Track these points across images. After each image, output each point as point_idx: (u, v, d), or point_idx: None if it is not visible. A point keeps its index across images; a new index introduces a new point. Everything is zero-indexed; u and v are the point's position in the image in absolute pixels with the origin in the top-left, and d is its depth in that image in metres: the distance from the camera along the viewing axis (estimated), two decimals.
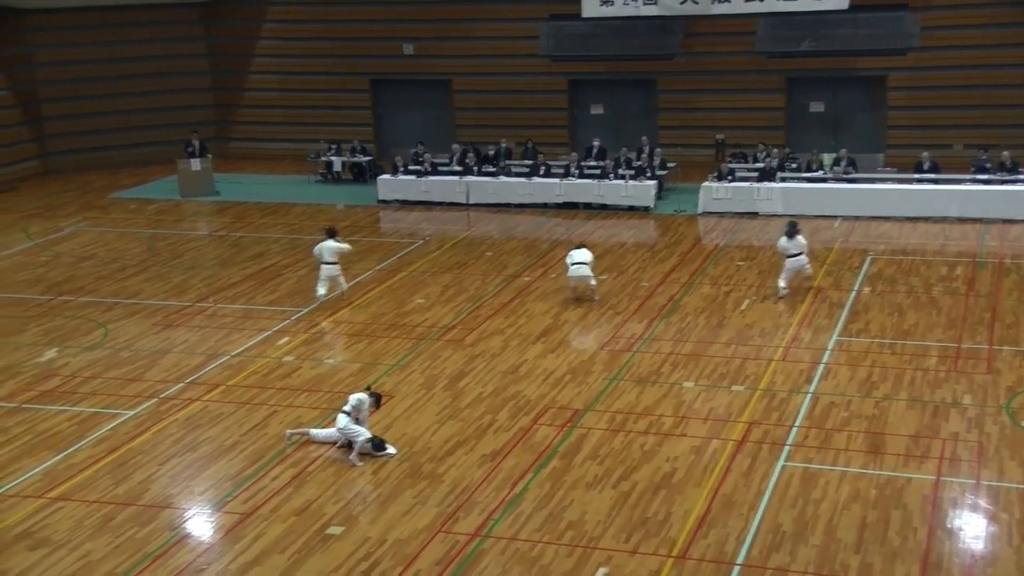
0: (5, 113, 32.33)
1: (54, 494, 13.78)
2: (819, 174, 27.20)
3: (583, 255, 20.40)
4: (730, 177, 27.16)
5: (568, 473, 13.96)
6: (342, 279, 20.83)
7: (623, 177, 27.70)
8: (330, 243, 20.57)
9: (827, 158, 27.65)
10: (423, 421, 15.58)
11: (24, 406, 16.46)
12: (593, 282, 20.41)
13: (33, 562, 12.26)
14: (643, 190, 27.39)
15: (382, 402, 15.18)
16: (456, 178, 28.58)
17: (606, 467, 14.09)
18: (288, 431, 15.08)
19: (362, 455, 14.38)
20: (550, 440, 14.89)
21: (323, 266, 20.57)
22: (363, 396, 14.77)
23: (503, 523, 12.80)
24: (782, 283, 20.39)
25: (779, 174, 27.04)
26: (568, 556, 12.10)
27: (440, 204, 28.28)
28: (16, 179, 32.21)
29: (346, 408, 14.63)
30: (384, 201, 28.78)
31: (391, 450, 14.58)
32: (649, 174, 27.82)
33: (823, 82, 30.98)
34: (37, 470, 14.42)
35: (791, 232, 20.40)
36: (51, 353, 18.63)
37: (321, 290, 20.60)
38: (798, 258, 20.36)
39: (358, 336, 19.27)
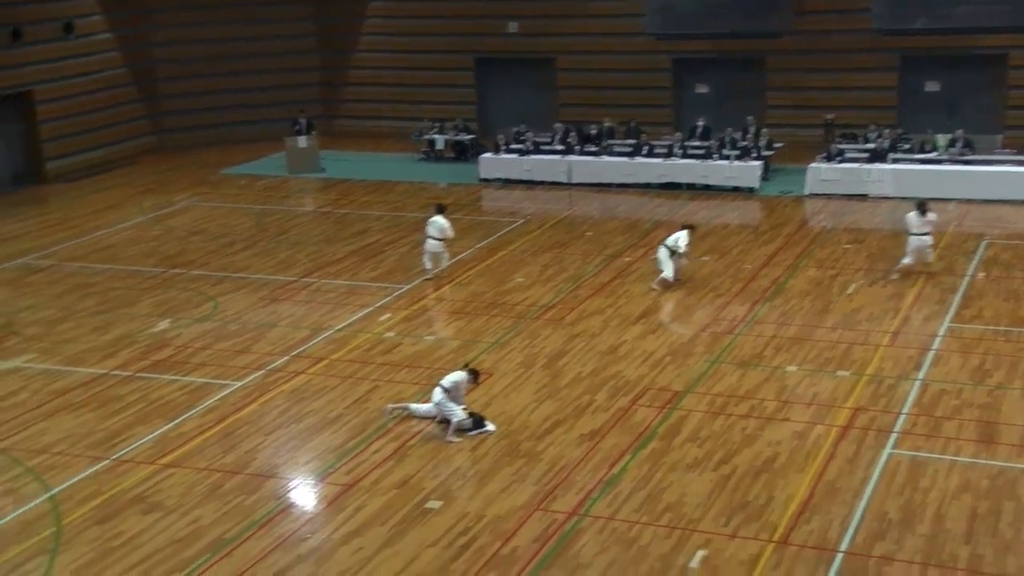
0: (124, 91, 33.29)
1: (165, 460, 14.21)
2: (933, 155, 26.45)
3: (671, 238, 20.11)
4: (839, 158, 26.59)
5: (667, 455, 13.88)
6: (445, 256, 21.00)
7: (727, 157, 27.32)
8: (439, 220, 20.75)
9: (941, 139, 26.84)
10: (521, 399, 15.64)
11: (138, 375, 17.00)
12: (663, 271, 19.79)
13: (146, 525, 12.67)
14: (748, 171, 26.97)
15: (480, 379, 15.26)
16: (558, 157, 28.53)
17: (706, 450, 13.97)
18: (389, 406, 15.28)
19: (459, 431, 14.49)
20: (649, 421, 14.82)
21: (428, 241, 20.78)
22: (460, 376, 14.83)
23: (601, 503, 12.79)
24: (906, 260, 19.93)
25: (890, 155, 26.37)
26: (666, 538, 12.03)
27: (541, 183, 28.26)
28: (133, 154, 33.18)
29: (443, 383, 14.73)
30: (486, 180, 28.87)
31: (490, 427, 14.66)
32: (754, 154, 27.39)
33: (939, 61, 30.05)
34: (150, 437, 14.89)
35: (922, 208, 19.91)
36: (164, 324, 19.18)
37: (428, 264, 20.84)
38: (923, 237, 19.87)
39: (458, 314, 19.41)
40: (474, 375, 15.00)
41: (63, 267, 22.82)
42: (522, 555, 11.79)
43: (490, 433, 14.56)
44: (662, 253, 19.98)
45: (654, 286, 19.86)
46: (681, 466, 13.57)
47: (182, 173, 31.30)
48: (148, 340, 18.44)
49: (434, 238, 20.72)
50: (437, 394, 14.68)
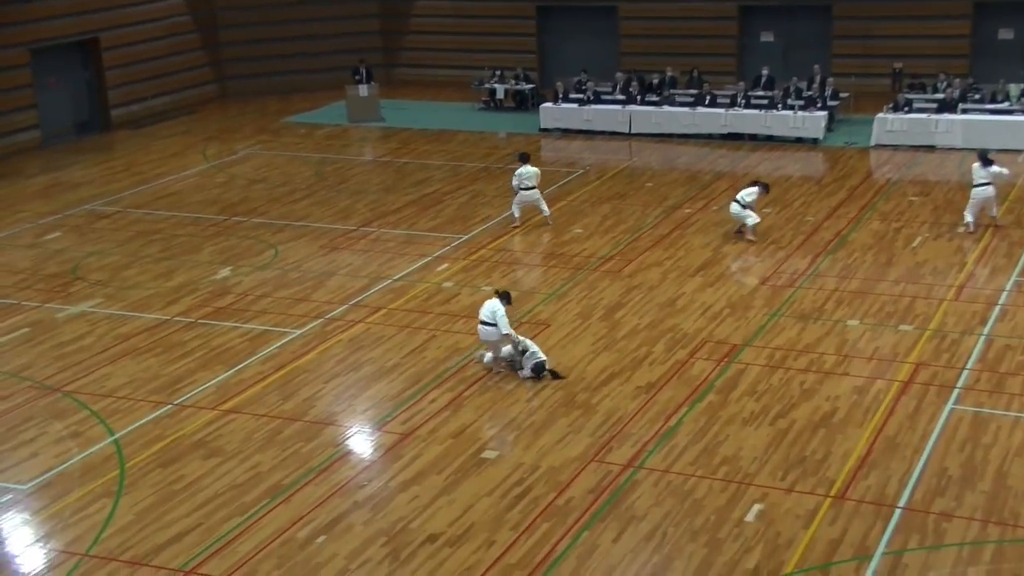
0: (186, 39, 33.47)
1: (226, 407, 14.44)
2: (1004, 105, 25.76)
3: (741, 193, 19.88)
4: (907, 108, 26.00)
5: (724, 408, 13.80)
6: (543, 205, 20.93)
7: (792, 107, 26.84)
8: (532, 168, 20.69)
9: (1014, 88, 26.11)
10: (578, 351, 15.62)
11: (200, 321, 17.24)
12: (747, 221, 19.56)
13: (207, 470, 12.90)
14: (812, 121, 26.49)
15: (511, 299, 15.09)
16: (619, 107, 28.22)
17: (763, 404, 13.87)
18: (478, 352, 15.32)
19: (494, 368, 14.68)
20: (707, 374, 14.73)
21: (522, 192, 20.74)
22: (493, 302, 14.74)
23: (656, 455, 12.78)
24: (968, 216, 19.52)
25: (960, 105, 25.72)
26: (722, 491, 12.00)
27: (602, 133, 28.01)
28: (196, 103, 33.44)
29: (482, 316, 14.74)
30: (545, 129, 28.67)
31: (525, 372, 14.59)
32: (819, 105, 26.88)
33: (1014, 7, 29.16)
34: (211, 383, 15.12)
35: (985, 159, 19.47)
36: (225, 272, 19.41)
37: (517, 212, 20.89)
38: (985, 188, 19.44)
39: (516, 264, 19.39)
40: (505, 297, 14.92)
41: (128, 213, 23.15)
42: (577, 506, 11.84)
43: (526, 377, 14.53)
44: (734, 208, 19.74)
45: (750, 237, 19.59)
46: (738, 420, 13.50)
47: (244, 121, 31.49)
48: (210, 287, 18.67)
49: (529, 187, 20.66)
50: (488, 331, 14.70)
